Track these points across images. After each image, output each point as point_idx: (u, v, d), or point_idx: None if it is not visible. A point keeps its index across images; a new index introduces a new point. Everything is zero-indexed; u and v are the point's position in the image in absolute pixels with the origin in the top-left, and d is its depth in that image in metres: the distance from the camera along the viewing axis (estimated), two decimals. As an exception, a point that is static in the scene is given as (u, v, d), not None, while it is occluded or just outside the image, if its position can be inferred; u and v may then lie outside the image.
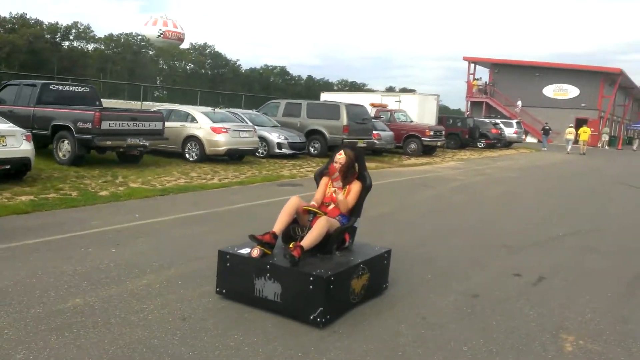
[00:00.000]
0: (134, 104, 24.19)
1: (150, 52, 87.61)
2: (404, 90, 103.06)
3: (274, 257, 3.97)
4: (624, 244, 7.25)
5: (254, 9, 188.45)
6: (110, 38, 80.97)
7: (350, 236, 4.42)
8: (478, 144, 27.53)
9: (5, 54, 64.01)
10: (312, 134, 17.08)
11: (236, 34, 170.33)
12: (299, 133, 16.62)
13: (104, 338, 3.38)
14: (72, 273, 4.57)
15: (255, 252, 3.95)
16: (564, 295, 4.76)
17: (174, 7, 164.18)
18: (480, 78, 44.13)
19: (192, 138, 13.35)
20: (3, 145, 8.29)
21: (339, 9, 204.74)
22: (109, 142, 10.79)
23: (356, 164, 4.53)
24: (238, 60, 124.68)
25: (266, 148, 15.57)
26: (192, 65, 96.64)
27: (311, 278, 3.67)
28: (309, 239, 4.00)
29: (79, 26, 76.95)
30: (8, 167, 8.44)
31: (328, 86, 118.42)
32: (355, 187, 4.48)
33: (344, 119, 16.62)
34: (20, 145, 8.57)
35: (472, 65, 43.96)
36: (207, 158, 13.35)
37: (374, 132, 18.16)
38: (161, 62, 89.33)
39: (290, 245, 3.99)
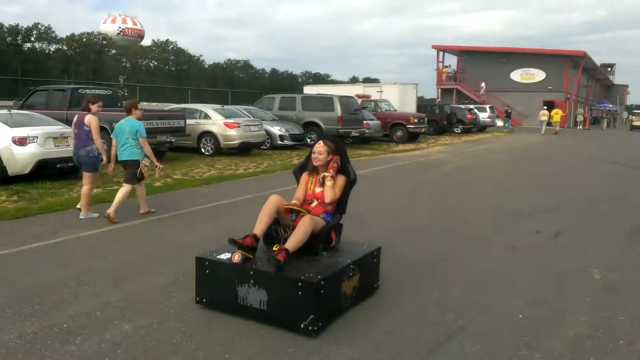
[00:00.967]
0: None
1: (113, 51, 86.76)
2: (367, 80, 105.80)
3: (257, 262, 3.78)
4: (614, 207, 8.98)
5: (213, 2, 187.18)
6: (72, 38, 79.86)
7: (336, 234, 4.25)
8: (455, 129, 29.49)
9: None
10: (308, 126, 18.50)
11: (196, 29, 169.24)
12: (297, 125, 18.05)
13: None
14: (213, 231, 5.97)
15: (236, 257, 3.74)
16: (581, 243, 6.33)
17: (130, 3, 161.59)
18: (450, 65, 46.33)
19: (207, 134, 14.64)
20: (67, 145, 9.48)
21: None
22: (141, 140, 11.99)
23: (338, 157, 4.35)
24: (201, 55, 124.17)
25: (269, 140, 16.94)
26: (155, 63, 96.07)
27: (299, 283, 3.47)
28: (294, 241, 3.80)
29: (39, 27, 75.64)
30: (70, 164, 9.63)
31: (292, 79, 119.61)
32: (339, 181, 4.29)
33: (338, 110, 18.13)
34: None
35: (441, 53, 46.08)
36: (221, 152, 14.66)
37: (364, 121, 19.75)
38: (124, 60, 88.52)
39: (274, 248, 3.79)
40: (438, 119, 27.25)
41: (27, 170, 8.94)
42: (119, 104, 13.75)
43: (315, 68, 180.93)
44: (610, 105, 57.18)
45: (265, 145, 16.81)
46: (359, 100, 23.31)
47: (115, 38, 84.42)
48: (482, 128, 33.07)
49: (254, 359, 3.24)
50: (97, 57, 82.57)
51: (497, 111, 42.01)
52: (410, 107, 25.57)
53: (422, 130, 22.86)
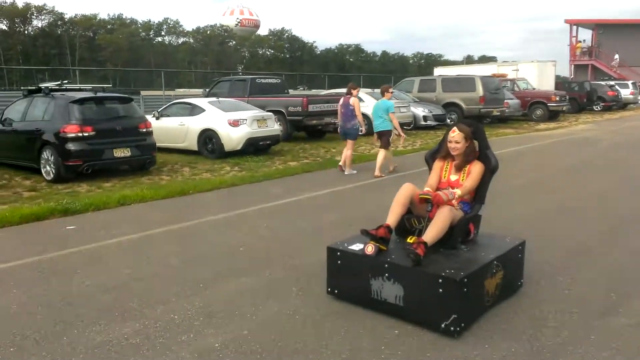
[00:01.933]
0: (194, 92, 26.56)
1: (233, 42, 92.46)
2: (483, 59, 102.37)
3: (391, 255, 3.65)
4: None
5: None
6: (197, 31, 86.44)
7: (475, 226, 4.04)
8: (595, 107, 28.48)
9: (109, 53, 70.67)
10: (448, 107, 19.32)
11: (309, 15, 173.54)
12: (438, 106, 18.97)
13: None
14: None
15: (370, 249, 3.64)
16: None
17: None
18: (584, 40, 43.96)
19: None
20: (266, 127, 11.36)
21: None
22: (314, 121, 13.76)
23: (475, 142, 4.11)
24: (315, 42, 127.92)
25: (412, 121, 18.05)
26: (272, 51, 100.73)
27: (440, 280, 3.30)
28: (432, 233, 3.62)
29: (169, 22, 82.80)
30: (269, 142, 11.55)
31: (403, 60, 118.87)
32: (476, 168, 4.02)
33: (480, 90, 18.74)
34: (274, 126, 11.64)
35: (575, 27, 43.84)
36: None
37: (504, 100, 20.13)
38: (244, 50, 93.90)
39: (410, 240, 3.60)
40: (577, 96, 26.57)
41: (239, 147, 10.93)
42: (285, 91, 15.69)
43: (426, 49, 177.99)
44: None
45: (409, 126, 17.95)
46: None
47: (234, 29, 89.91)
48: (623, 105, 31.46)
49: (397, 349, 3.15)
50: (219, 48, 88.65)
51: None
52: (548, 85, 25.27)
53: (564, 108, 22.63)
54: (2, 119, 9.53)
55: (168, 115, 11.73)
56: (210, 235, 5.79)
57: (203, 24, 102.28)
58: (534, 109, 22.16)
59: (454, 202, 3.84)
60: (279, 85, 15.47)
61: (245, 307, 3.80)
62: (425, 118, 18.13)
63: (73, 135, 8.21)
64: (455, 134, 4.04)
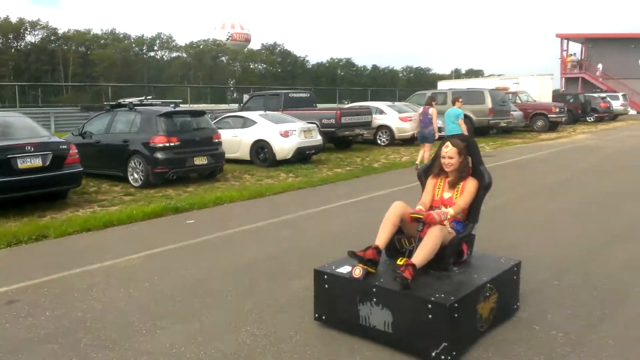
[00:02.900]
0: (223, 107, 27.60)
1: (225, 57, 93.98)
2: (470, 72, 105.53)
3: (380, 278, 3.54)
4: None
5: (311, 3, 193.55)
6: (190, 46, 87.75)
7: (468, 247, 3.93)
8: (588, 118, 30.29)
9: (102, 68, 71.62)
10: (459, 118, 20.83)
11: (300, 30, 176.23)
12: (450, 118, 20.48)
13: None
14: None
15: (357, 272, 3.53)
16: None
17: (237, 7, 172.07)
18: (575, 54, 46.21)
19: (383, 127, 17.53)
20: (311, 137, 12.68)
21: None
22: (346, 132, 15.11)
23: (469, 158, 4.03)
24: (307, 56, 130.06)
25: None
26: (264, 65, 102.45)
27: (430, 305, 3.19)
28: (422, 255, 3.52)
29: (162, 37, 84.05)
30: (313, 151, 12.86)
31: (393, 74, 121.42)
32: (470, 185, 3.95)
33: (489, 103, 20.31)
34: (317, 137, 12.98)
35: (565, 41, 46.10)
36: (394, 142, 17.48)
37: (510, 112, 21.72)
38: (236, 64, 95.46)
39: (399, 262, 3.56)
40: (573, 108, 28.31)
41: (289, 156, 12.22)
42: (314, 104, 17.06)
43: (415, 62, 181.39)
44: None
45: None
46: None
47: (226, 43, 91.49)
48: (614, 116, 33.37)
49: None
50: (212, 62, 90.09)
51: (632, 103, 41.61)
52: (546, 98, 27.01)
53: (562, 119, 24.31)
54: (82, 132, 10.71)
55: (220, 128, 12.98)
56: (318, 223, 7.12)
57: (196, 38, 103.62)
58: (535, 120, 23.80)
59: (445, 222, 3.73)
60: (309, 99, 16.85)
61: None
62: (440, 129, 19.56)
63: (161, 145, 9.44)
64: (448, 149, 3.98)
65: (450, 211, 3.79)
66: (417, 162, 11.89)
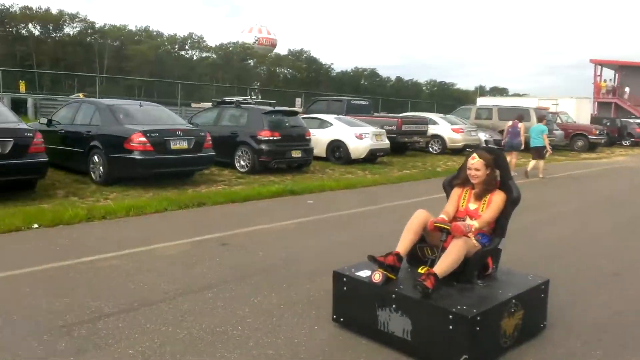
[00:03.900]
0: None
1: (253, 60, 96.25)
2: (494, 90, 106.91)
3: (400, 285, 3.58)
4: None
5: (339, 11, 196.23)
6: (219, 47, 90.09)
7: (493, 261, 3.92)
8: (624, 142, 31.46)
9: (135, 63, 73.96)
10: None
11: (327, 38, 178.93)
12: (496, 132, 21.81)
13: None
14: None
15: (377, 277, 3.57)
16: None
17: (265, 12, 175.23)
18: (610, 79, 47.46)
19: (435, 136, 18.90)
20: (381, 140, 14.12)
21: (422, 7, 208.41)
22: (405, 139, 16.53)
23: (497, 171, 4.01)
24: (332, 63, 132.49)
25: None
26: (289, 70, 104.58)
27: (451, 316, 3.20)
28: (444, 265, 3.53)
29: (193, 37, 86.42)
30: (382, 153, 14.28)
31: (417, 87, 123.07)
32: (497, 199, 3.93)
33: (534, 121, 21.59)
34: (385, 140, 14.43)
35: (599, 67, 47.31)
36: (445, 151, 18.85)
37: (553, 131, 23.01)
38: (263, 68, 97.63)
39: (420, 270, 3.59)
40: (609, 131, 29.51)
41: (362, 156, 13.65)
42: (371, 111, 18.52)
43: (438, 76, 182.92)
44: None
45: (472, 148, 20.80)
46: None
47: (254, 47, 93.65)
48: (648, 142, 34.50)
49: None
50: (239, 64, 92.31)
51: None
52: (585, 119, 28.26)
53: (602, 141, 25.54)
54: (191, 123, 12.25)
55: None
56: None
57: (226, 40, 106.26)
58: (576, 140, 25.05)
59: (470, 235, 3.72)
60: (367, 107, 18.35)
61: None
62: (486, 142, 20.93)
63: (266, 138, 10.94)
64: (475, 161, 3.95)
65: (475, 224, 3.78)
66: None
